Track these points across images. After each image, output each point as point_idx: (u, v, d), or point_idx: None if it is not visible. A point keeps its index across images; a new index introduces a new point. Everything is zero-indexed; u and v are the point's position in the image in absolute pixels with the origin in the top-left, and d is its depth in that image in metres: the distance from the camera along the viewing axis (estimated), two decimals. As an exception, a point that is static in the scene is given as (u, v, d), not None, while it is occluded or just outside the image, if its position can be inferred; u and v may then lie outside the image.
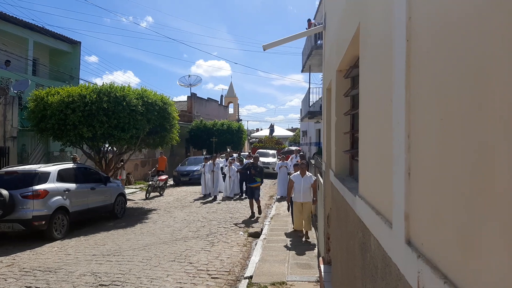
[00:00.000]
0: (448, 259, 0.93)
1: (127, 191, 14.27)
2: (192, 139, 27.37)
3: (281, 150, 31.45)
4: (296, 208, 8.27)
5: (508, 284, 0.67)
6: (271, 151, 26.15)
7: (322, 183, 5.80)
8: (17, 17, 16.38)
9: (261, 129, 55.44)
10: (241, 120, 45.35)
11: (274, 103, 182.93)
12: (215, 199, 14.71)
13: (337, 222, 3.61)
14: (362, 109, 2.30)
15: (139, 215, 11.80)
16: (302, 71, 22.17)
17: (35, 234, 8.68)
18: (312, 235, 8.45)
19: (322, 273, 4.65)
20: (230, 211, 12.23)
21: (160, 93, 13.60)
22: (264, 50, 5.91)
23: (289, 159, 17.27)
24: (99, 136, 11.93)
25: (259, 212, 11.19)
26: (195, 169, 19.77)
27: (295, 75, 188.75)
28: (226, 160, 17.69)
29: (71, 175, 9.87)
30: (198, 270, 6.43)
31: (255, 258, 6.93)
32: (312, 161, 11.18)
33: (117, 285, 5.75)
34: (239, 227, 9.83)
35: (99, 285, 5.78)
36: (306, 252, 7.28)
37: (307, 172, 8.37)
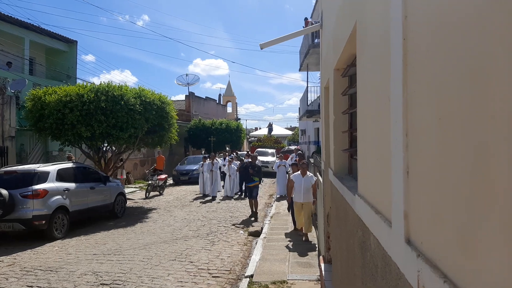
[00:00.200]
0: (447, 258, 0.93)
1: (126, 190, 14.26)
2: (190, 138, 27.34)
3: (281, 149, 31.46)
4: (297, 209, 8.21)
5: (507, 283, 0.67)
6: (270, 150, 26.17)
7: (322, 182, 5.80)
8: (13, 16, 16.32)
9: (260, 128, 55.26)
10: (239, 119, 45.22)
11: (272, 102, 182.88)
12: (214, 199, 14.66)
13: (337, 221, 3.61)
14: (360, 108, 2.30)
15: (139, 214, 11.81)
16: (300, 69, 22.09)
17: (35, 234, 8.68)
18: (313, 234, 8.45)
19: (323, 272, 4.65)
20: (230, 210, 12.24)
21: (158, 92, 13.61)
22: (261, 48, 5.90)
23: (288, 158, 17.27)
24: (97, 135, 11.91)
25: (255, 210, 10.99)
26: (194, 168, 19.74)
27: (293, 73, 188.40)
28: (224, 159, 17.67)
29: (70, 174, 9.87)
30: (199, 269, 6.44)
31: (255, 257, 6.94)
32: (312, 160, 11.16)
33: (118, 284, 5.75)
34: (237, 226, 9.82)
35: (100, 284, 5.78)
36: (307, 251, 7.28)
37: (308, 172, 8.24)
